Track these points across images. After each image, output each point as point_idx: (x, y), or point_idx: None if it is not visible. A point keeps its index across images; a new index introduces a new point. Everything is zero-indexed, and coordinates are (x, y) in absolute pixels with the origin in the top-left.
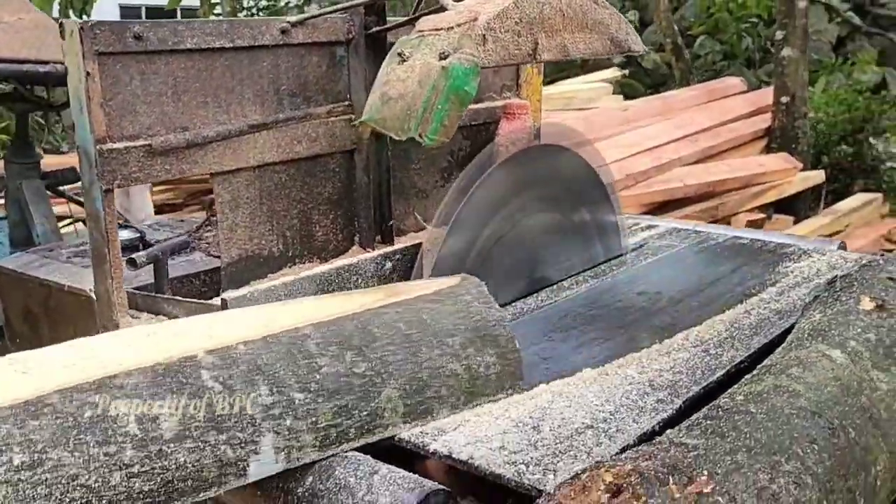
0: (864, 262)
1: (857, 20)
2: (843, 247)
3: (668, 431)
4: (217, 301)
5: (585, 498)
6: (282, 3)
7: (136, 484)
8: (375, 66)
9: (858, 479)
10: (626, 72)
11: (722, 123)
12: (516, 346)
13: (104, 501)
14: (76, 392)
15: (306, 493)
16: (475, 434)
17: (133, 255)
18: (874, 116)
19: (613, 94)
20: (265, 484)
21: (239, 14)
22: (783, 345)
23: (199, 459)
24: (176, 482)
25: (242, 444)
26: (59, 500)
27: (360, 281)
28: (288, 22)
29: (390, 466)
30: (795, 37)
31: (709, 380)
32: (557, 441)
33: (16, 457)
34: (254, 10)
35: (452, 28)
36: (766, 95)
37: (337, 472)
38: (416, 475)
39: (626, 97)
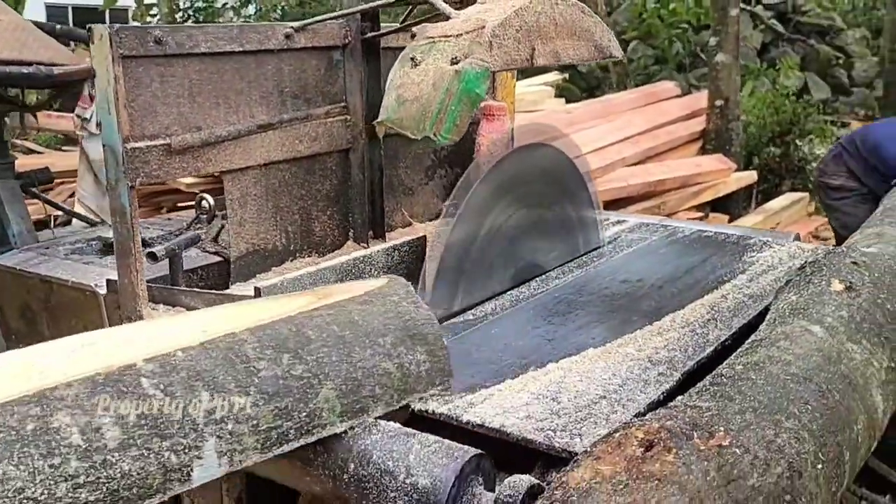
0: (820, 251)
1: (779, 27)
2: (798, 238)
3: (680, 397)
4: (231, 290)
5: (622, 452)
6: (219, 4)
7: (83, 495)
8: (370, 70)
9: (845, 435)
10: (567, 75)
11: (660, 126)
12: (444, 343)
13: None
14: (17, 405)
15: (352, 479)
16: (502, 405)
17: (153, 250)
18: (799, 119)
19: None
20: (314, 468)
21: (175, 15)
22: (766, 321)
23: (144, 467)
24: (122, 490)
25: (186, 450)
26: None
27: (373, 270)
28: (291, 27)
29: (421, 438)
30: (728, 43)
31: (700, 356)
32: (577, 410)
33: None
34: (190, 12)
35: (461, 35)
36: (701, 99)
37: (375, 457)
38: (447, 441)
39: (566, 100)
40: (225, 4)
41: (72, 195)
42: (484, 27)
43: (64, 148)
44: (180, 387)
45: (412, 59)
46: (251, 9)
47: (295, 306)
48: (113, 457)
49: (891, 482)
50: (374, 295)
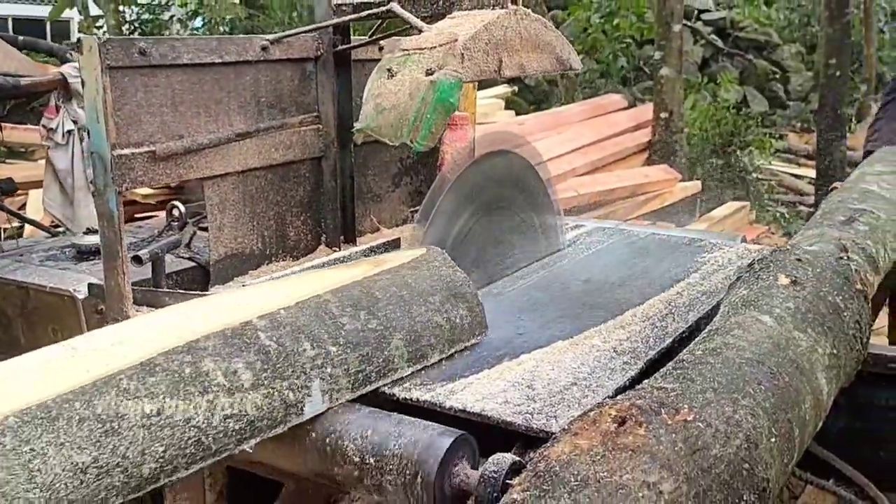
0: (765, 251)
1: (719, 43)
2: (744, 240)
3: (646, 381)
4: (212, 292)
5: (597, 428)
6: (166, 17)
7: (230, 424)
8: (341, 81)
9: (794, 413)
10: (515, 88)
11: (608, 137)
12: (480, 300)
13: (209, 438)
14: (174, 354)
15: (344, 461)
16: (481, 392)
17: (138, 253)
18: (740, 131)
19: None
20: (305, 452)
21: (122, 27)
22: (720, 313)
23: (271, 402)
24: (256, 422)
25: (299, 389)
26: (179, 438)
27: None
28: (267, 40)
29: (410, 420)
30: (672, 57)
31: (660, 346)
32: (551, 395)
33: (146, 406)
34: (136, 24)
35: (435, 48)
36: (646, 111)
37: (366, 439)
38: (433, 423)
39: (515, 112)
40: (172, 17)
41: (22, 206)
42: (456, 40)
43: (8, 161)
44: (288, 338)
45: (389, 70)
46: (198, 21)
47: (359, 272)
48: (248, 394)
49: (834, 468)
50: (419, 261)
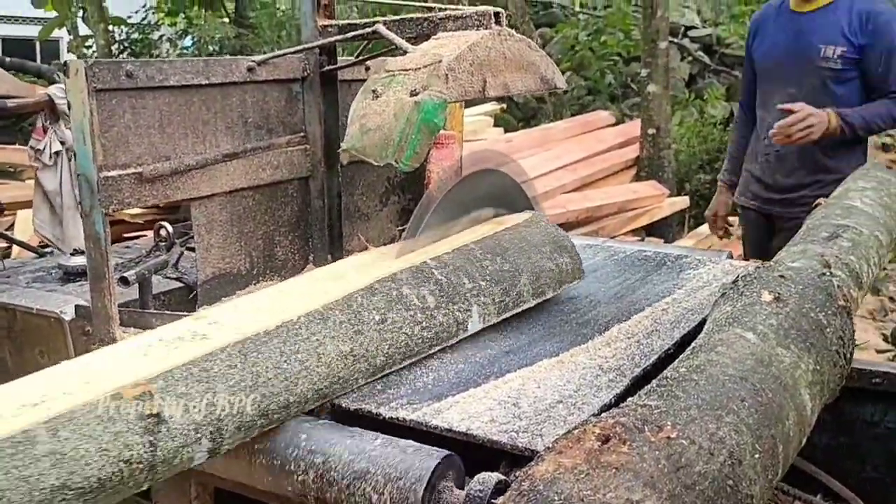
0: (751, 267)
1: (706, 59)
2: (730, 256)
3: (630, 398)
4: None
5: (581, 446)
6: (155, 37)
7: (424, 333)
8: (328, 101)
9: (778, 429)
10: (504, 105)
11: (596, 154)
12: (577, 252)
13: (413, 342)
14: (381, 282)
15: (329, 481)
16: (467, 411)
17: (125, 274)
18: (727, 147)
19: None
20: (289, 472)
21: (111, 47)
22: (705, 330)
23: (447, 320)
24: (440, 333)
25: (464, 311)
26: (396, 340)
27: None
28: (254, 61)
29: (396, 441)
30: (658, 74)
31: (646, 363)
32: (536, 413)
33: (373, 316)
34: (126, 44)
35: (419, 69)
36: (634, 127)
37: (351, 460)
38: (419, 444)
39: (504, 130)
40: (162, 37)
41: (10, 227)
42: (440, 61)
43: None
44: (452, 275)
45: (374, 91)
46: (188, 41)
47: (487, 230)
48: (433, 313)
49: (822, 483)
50: (530, 222)
